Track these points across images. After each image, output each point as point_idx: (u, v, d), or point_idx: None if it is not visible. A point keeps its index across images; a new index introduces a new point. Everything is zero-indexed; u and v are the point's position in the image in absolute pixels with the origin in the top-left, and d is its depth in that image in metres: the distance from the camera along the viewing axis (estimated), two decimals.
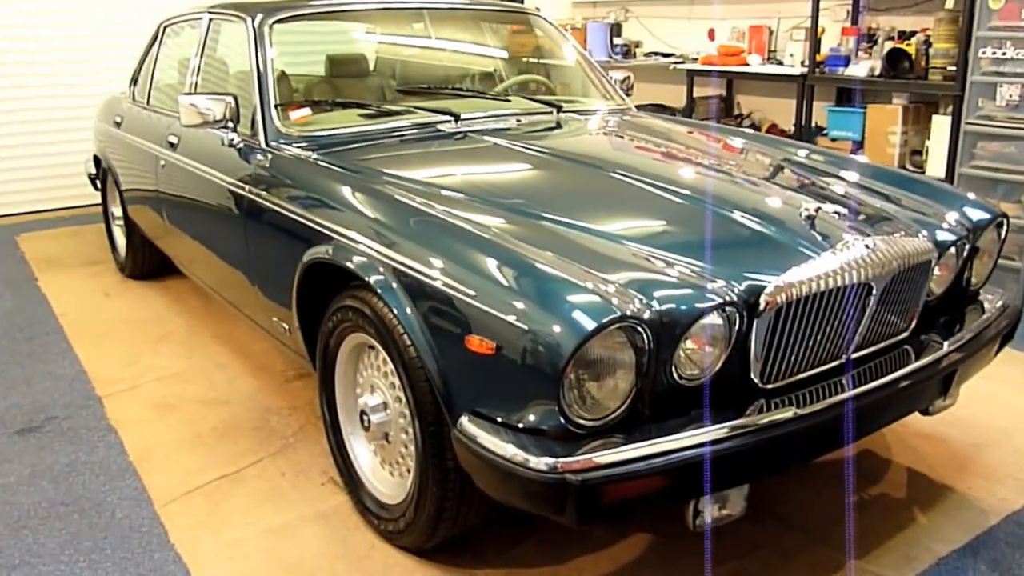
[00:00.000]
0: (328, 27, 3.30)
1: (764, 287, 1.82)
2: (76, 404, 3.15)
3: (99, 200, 4.97)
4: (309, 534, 2.34)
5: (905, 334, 2.22)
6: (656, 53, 6.21)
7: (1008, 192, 4.07)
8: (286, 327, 2.62)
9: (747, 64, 5.39)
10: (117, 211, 4.66)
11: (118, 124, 4.25)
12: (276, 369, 3.44)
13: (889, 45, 4.57)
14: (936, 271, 2.29)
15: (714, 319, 1.77)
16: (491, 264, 1.84)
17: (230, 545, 2.30)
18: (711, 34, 5.88)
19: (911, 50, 4.48)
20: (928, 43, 4.42)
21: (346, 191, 2.33)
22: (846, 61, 4.76)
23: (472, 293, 1.78)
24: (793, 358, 1.93)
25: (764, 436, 1.79)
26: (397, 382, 2.12)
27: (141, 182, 3.91)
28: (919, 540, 2.29)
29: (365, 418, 2.25)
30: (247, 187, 2.70)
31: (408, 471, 2.17)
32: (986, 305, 2.47)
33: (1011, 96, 3.96)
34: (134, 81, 4.37)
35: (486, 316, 1.74)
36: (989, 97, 4.05)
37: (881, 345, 2.15)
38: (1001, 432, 2.87)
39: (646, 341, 1.68)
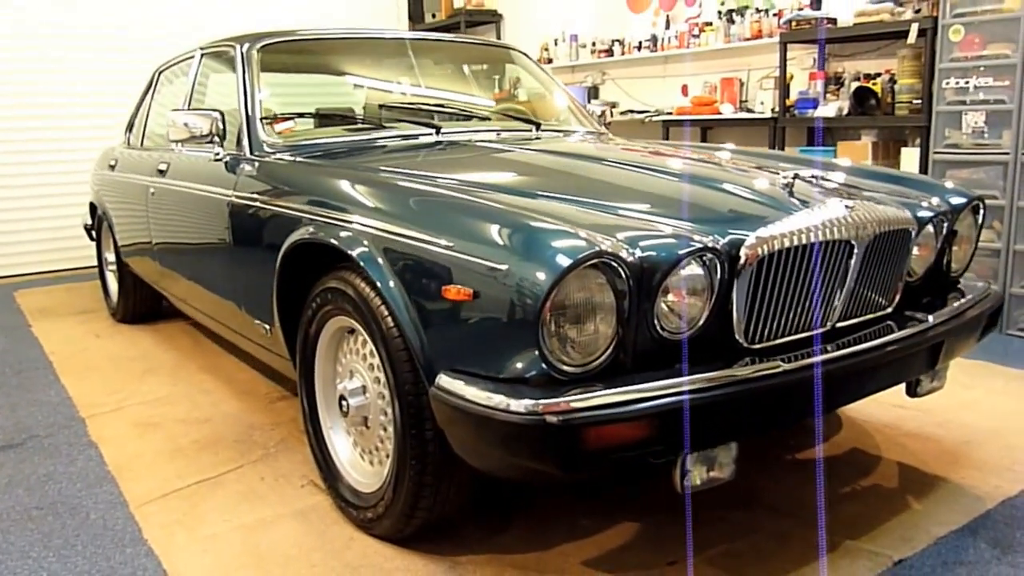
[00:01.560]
0: (315, 59, 3.39)
1: (744, 240, 1.84)
2: (58, 424, 3.11)
3: (94, 263, 5.07)
4: (286, 529, 2.28)
5: (889, 310, 2.23)
6: (632, 111, 6.39)
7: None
8: (267, 327, 2.61)
9: (719, 112, 5.56)
10: (111, 256, 4.71)
11: (112, 167, 4.33)
12: (260, 392, 3.41)
13: (856, 85, 4.72)
14: (916, 250, 2.32)
15: (694, 269, 1.78)
16: (469, 217, 1.86)
17: (205, 539, 2.24)
18: (684, 90, 6.07)
19: (877, 88, 4.65)
20: (893, 80, 4.58)
21: (328, 179, 2.37)
22: (815, 103, 4.91)
23: (450, 244, 1.80)
24: (777, 318, 1.93)
25: (748, 388, 1.77)
26: (376, 362, 2.12)
27: (132, 215, 3.96)
28: (915, 523, 2.25)
29: (344, 403, 2.23)
30: (232, 192, 2.74)
31: (387, 455, 2.14)
32: (967, 292, 2.50)
33: (976, 123, 4.08)
34: (129, 128, 4.48)
35: (464, 264, 1.75)
36: (955, 126, 4.18)
37: (865, 318, 2.16)
38: (991, 431, 2.86)
39: (626, 284, 1.68)
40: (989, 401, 3.16)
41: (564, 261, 1.62)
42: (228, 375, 3.66)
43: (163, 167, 3.48)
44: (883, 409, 3.06)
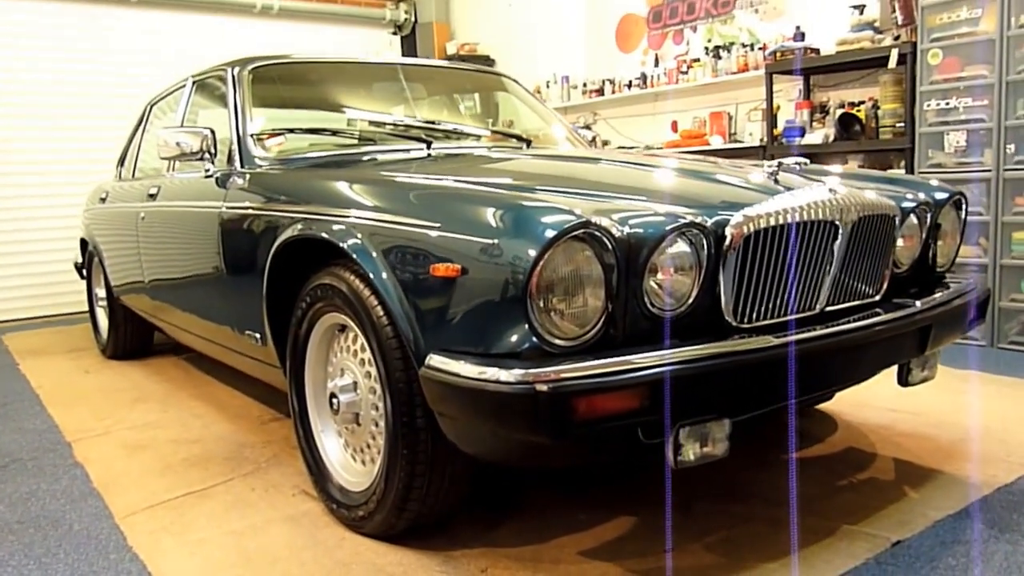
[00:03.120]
0: (306, 83, 3.44)
1: (730, 219, 1.85)
2: (43, 448, 3.06)
3: (84, 308, 5.08)
4: (276, 532, 2.23)
5: (876, 298, 2.24)
6: (621, 147, 6.48)
7: (966, 235, 4.17)
8: (258, 337, 2.60)
9: (709, 144, 5.64)
10: (101, 292, 4.70)
11: (103, 200, 4.36)
12: (252, 415, 3.37)
13: (840, 112, 4.81)
14: (901, 241, 2.35)
15: (681, 246, 1.79)
16: (459, 202, 1.88)
17: (192, 544, 2.19)
18: (674, 126, 6.17)
19: (861, 115, 4.73)
20: (876, 106, 4.67)
21: (319, 182, 2.40)
22: (802, 132, 4.99)
23: (439, 226, 1.81)
24: (766, 299, 1.93)
25: (737, 360, 1.77)
26: (368, 356, 2.11)
27: (122, 243, 3.97)
28: (912, 509, 2.22)
29: (335, 401, 2.21)
30: (222, 204, 2.76)
31: (378, 451, 2.11)
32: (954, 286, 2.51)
33: (958, 142, 4.15)
34: (121, 162, 4.52)
35: (452, 242, 1.76)
36: (938, 147, 4.24)
37: (853, 303, 2.16)
38: (985, 429, 2.85)
39: (614, 257, 1.68)
40: (982, 405, 3.16)
41: (550, 232, 1.63)
42: (220, 401, 3.63)
43: (153, 191, 3.51)
44: (877, 413, 3.05)
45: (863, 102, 4.85)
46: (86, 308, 5.07)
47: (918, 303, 2.21)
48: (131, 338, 4.54)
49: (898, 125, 4.50)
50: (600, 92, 6.57)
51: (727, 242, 1.84)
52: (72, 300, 6.24)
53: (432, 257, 1.79)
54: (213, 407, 3.53)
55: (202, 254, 2.94)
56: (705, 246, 1.81)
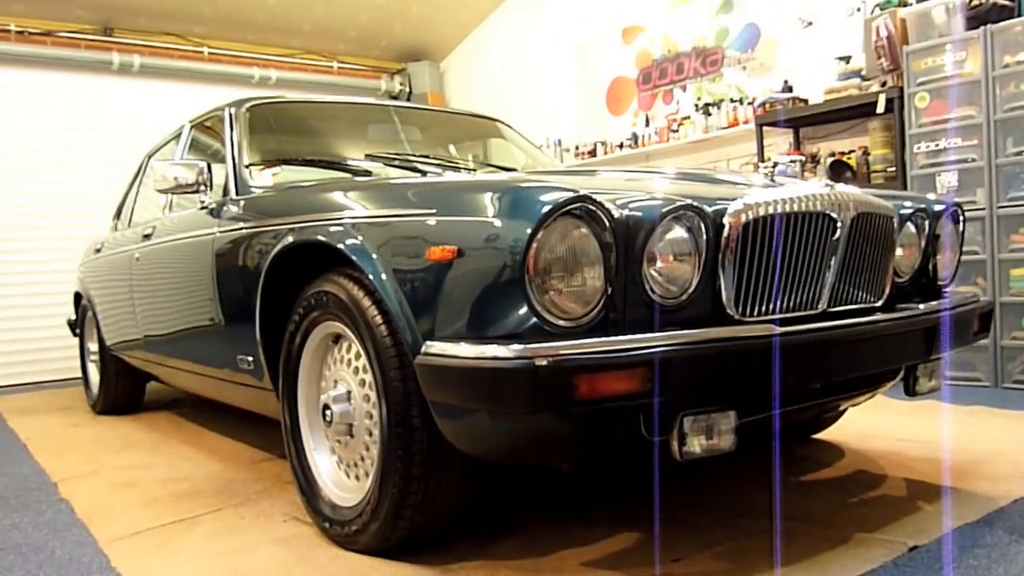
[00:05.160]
0: (301, 123, 3.47)
1: (728, 208, 1.84)
2: (28, 488, 2.96)
3: (75, 375, 5.08)
4: (266, 553, 2.13)
5: (878, 304, 2.21)
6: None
7: (963, 275, 4.17)
8: (251, 359, 2.55)
9: None
10: (93, 346, 4.64)
11: (98, 251, 4.35)
12: (244, 456, 3.28)
13: (831, 160, 4.87)
14: (901, 251, 2.34)
15: (679, 232, 1.77)
16: (455, 192, 1.89)
17: (178, 564, 2.09)
18: None
19: (852, 162, 4.79)
20: (866, 153, 4.73)
21: (313, 194, 2.40)
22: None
23: (435, 213, 1.80)
24: (766, 292, 1.90)
25: (739, 345, 1.73)
26: (362, 363, 2.06)
27: (116, 289, 3.93)
28: (928, 519, 2.15)
29: (328, 412, 2.14)
30: (216, 230, 2.75)
31: (372, 464, 2.05)
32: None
33: (950, 182, 4.19)
34: (117, 215, 4.53)
35: (448, 226, 1.75)
36: (929, 188, 4.27)
37: (855, 307, 2.13)
38: (995, 453, 2.77)
39: (611, 236, 1.66)
40: (992, 434, 3.08)
41: (546, 208, 1.61)
42: (210, 446, 3.54)
43: (148, 232, 3.50)
44: (885, 442, 2.98)
45: (853, 151, 4.91)
46: (77, 374, 5.02)
47: (921, 306, 2.19)
48: (122, 392, 4.47)
49: (889, 169, 4.55)
50: (592, 154, 6.67)
51: (726, 231, 1.82)
52: (63, 366, 6.15)
53: (428, 243, 1.77)
54: (203, 451, 3.44)
55: (196, 285, 2.92)
56: (704, 232, 1.79)
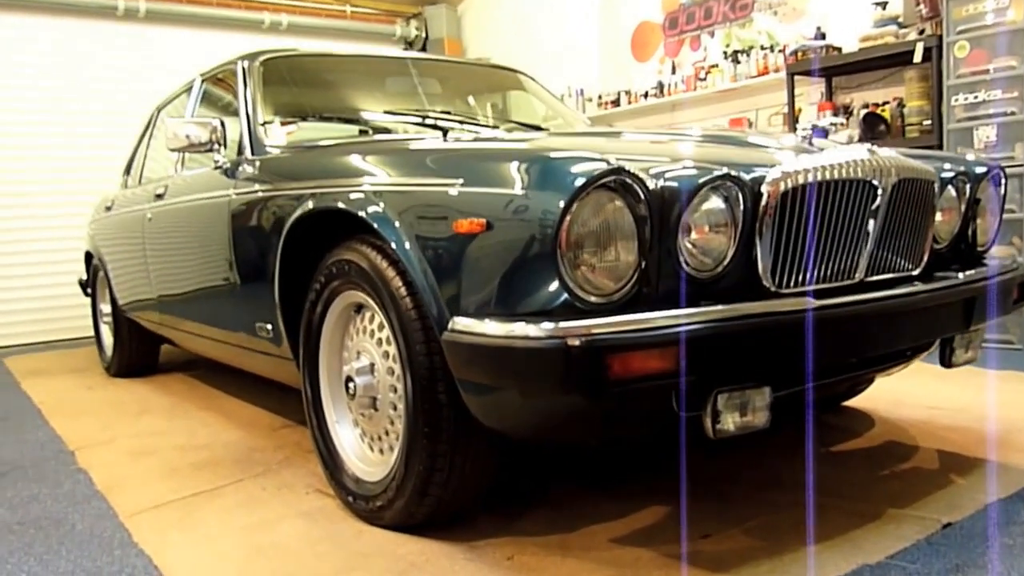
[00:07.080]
0: (316, 77, 3.35)
1: (766, 175, 1.74)
2: (45, 457, 2.94)
3: (88, 333, 5.03)
4: (289, 527, 2.10)
5: (917, 272, 2.11)
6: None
7: (1000, 235, 4.04)
8: (269, 328, 2.48)
9: None
10: (106, 308, 4.61)
11: (109, 209, 4.29)
12: (263, 423, 3.25)
13: (864, 112, 4.70)
14: (940, 215, 2.23)
15: (716, 202, 1.68)
16: (482, 160, 1.79)
17: (200, 539, 2.06)
18: None
19: (886, 114, 4.62)
20: (901, 105, 4.56)
21: (333, 157, 2.31)
22: (824, 133, 4.86)
23: (460, 181, 1.71)
24: (803, 263, 1.80)
25: (776, 320, 1.65)
26: (386, 335, 2.00)
27: (129, 248, 3.87)
28: (961, 494, 2.09)
29: (351, 385, 2.08)
30: (232, 192, 2.66)
31: (397, 438, 1.99)
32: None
33: (988, 137, 4.03)
34: (127, 170, 4.45)
35: (475, 197, 1.66)
36: (967, 143, 4.12)
37: (894, 275, 2.04)
38: None
39: (646, 209, 1.57)
40: None
41: (580, 180, 1.52)
42: (228, 411, 3.50)
43: (160, 191, 3.43)
44: (915, 410, 2.91)
45: (887, 102, 4.74)
46: (89, 333, 4.97)
47: (961, 275, 2.09)
48: (136, 354, 4.42)
49: (925, 123, 4.38)
50: (616, 103, 6.49)
51: (764, 200, 1.72)
52: (75, 325, 6.08)
53: (455, 213, 1.68)
54: (221, 416, 3.41)
55: (211, 247, 2.85)
56: (741, 202, 1.69)
